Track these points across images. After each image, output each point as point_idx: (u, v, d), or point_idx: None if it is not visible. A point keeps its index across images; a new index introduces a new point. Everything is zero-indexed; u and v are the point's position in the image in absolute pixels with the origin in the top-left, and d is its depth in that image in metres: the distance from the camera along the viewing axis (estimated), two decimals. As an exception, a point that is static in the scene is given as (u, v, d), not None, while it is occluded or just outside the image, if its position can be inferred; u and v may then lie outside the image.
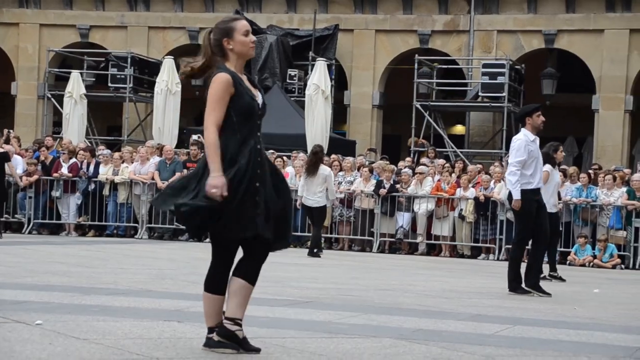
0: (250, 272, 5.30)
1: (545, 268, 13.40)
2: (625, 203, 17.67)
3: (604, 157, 24.64)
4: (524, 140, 10.50)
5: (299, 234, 19.40)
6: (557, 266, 14.27)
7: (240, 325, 5.30)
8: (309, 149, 20.91)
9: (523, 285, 10.43)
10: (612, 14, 25.26)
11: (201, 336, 5.54)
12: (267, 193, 5.23)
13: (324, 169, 16.25)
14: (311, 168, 16.15)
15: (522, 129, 10.74)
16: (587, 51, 25.53)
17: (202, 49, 5.34)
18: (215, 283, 5.30)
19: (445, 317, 7.66)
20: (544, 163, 13.08)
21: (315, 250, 16.12)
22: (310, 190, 16.07)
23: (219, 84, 5.18)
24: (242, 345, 5.32)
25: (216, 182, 5.06)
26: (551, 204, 12.98)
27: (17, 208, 20.20)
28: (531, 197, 10.37)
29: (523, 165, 10.39)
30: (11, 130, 22.37)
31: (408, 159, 22.77)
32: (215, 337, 5.31)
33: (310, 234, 16.97)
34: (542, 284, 10.76)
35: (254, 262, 5.31)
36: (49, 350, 5.19)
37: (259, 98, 5.36)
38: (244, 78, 5.35)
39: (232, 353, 5.25)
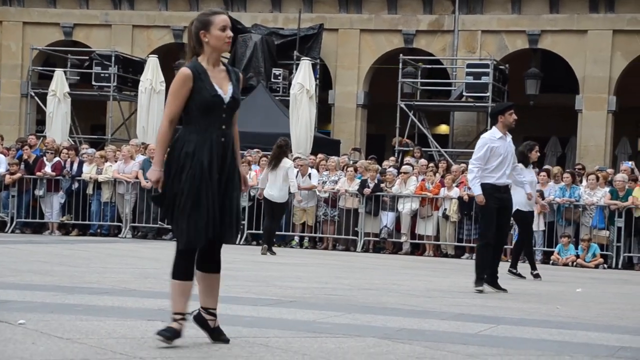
0: (209, 264, 5.50)
1: (525, 267, 13.47)
2: (608, 203, 17.75)
3: (587, 157, 24.76)
4: (488, 139, 10.67)
5: (282, 232, 19.41)
6: (540, 265, 14.33)
7: (213, 315, 5.51)
8: (293, 148, 20.93)
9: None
10: (596, 15, 25.38)
11: (185, 336, 5.53)
12: (218, 186, 5.40)
13: (285, 162, 16.23)
14: (274, 161, 16.14)
15: (493, 127, 10.82)
16: (570, 51, 25.64)
17: (188, 39, 5.53)
18: (179, 269, 5.43)
19: (428, 317, 7.67)
20: (518, 161, 13.17)
21: (269, 247, 15.95)
22: (273, 183, 16.05)
23: (176, 80, 5.38)
24: (212, 335, 5.53)
25: (153, 176, 5.36)
26: (524, 203, 13.03)
27: (0, 207, 20.11)
28: (490, 191, 10.45)
29: (485, 162, 10.50)
30: None
31: (392, 158, 22.80)
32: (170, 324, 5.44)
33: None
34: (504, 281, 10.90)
35: (210, 254, 5.49)
36: (32, 349, 5.17)
37: (228, 92, 5.44)
38: (218, 70, 5.45)
39: (164, 343, 5.35)
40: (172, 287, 5.47)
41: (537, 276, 13.17)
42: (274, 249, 16.25)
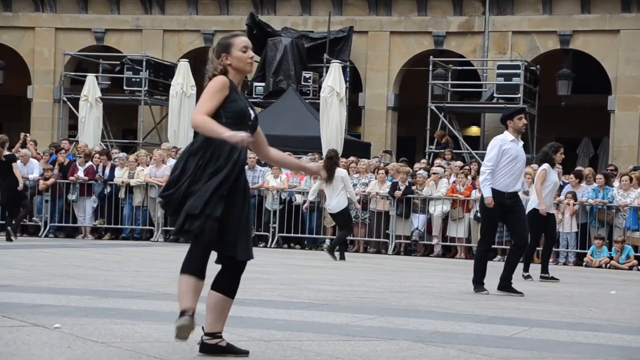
0: (228, 287, 5.30)
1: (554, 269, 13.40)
2: (642, 204, 17.59)
3: (620, 158, 24.56)
4: (499, 140, 10.62)
5: (314, 235, 19.44)
6: (572, 267, 14.26)
7: (220, 337, 5.29)
8: (324, 151, 20.92)
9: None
10: (628, 15, 25.18)
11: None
12: (235, 205, 5.21)
13: (339, 172, 16.16)
14: (328, 173, 16.01)
15: (505, 132, 10.76)
16: (602, 52, 25.45)
17: (209, 62, 5.38)
18: (190, 265, 5.20)
19: (462, 319, 7.65)
20: (543, 162, 13.09)
21: (335, 250, 16.00)
22: (331, 195, 15.96)
23: (215, 82, 5.23)
24: (230, 351, 5.30)
25: (240, 135, 5.01)
26: (549, 204, 12.96)
27: (34, 211, 20.26)
28: (496, 199, 10.36)
29: (497, 164, 10.43)
30: (28, 134, 22.47)
31: (423, 160, 22.75)
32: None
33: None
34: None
35: (231, 277, 5.30)
36: (68, 353, 5.20)
37: (252, 113, 5.38)
38: (241, 93, 5.40)
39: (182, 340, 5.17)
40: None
41: (527, 277, 12.92)
42: (336, 254, 16.05)
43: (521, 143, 10.75)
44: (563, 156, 13.44)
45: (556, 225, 13.76)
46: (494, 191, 10.42)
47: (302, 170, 6.71)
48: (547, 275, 13.11)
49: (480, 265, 10.49)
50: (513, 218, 10.53)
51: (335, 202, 15.88)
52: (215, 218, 5.10)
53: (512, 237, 11.07)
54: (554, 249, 13.80)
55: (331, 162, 15.98)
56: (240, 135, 5.01)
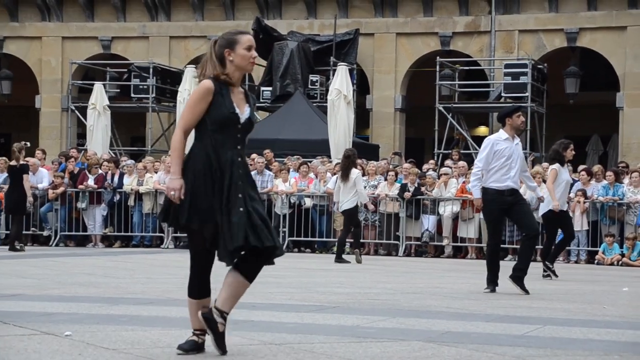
0: (249, 271, 5.38)
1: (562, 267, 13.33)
2: (653, 200, 17.53)
3: (630, 155, 24.48)
4: (492, 140, 10.56)
5: (324, 239, 19.43)
6: (584, 265, 14.20)
7: (224, 318, 5.35)
8: (332, 154, 20.92)
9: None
10: (635, 11, 25.12)
11: (229, 344, 5.53)
12: (250, 203, 5.32)
13: (352, 172, 16.11)
14: (343, 172, 16.01)
15: (500, 129, 10.71)
16: (610, 48, 25.39)
17: (204, 58, 5.44)
18: (194, 288, 5.42)
19: (473, 319, 7.62)
20: (554, 160, 13.04)
21: (341, 255, 15.99)
22: (345, 195, 15.93)
23: (195, 92, 5.34)
24: (217, 339, 5.34)
25: (174, 185, 5.26)
26: (562, 202, 12.93)
27: (42, 221, 20.24)
28: (494, 197, 10.34)
29: (488, 164, 10.39)
30: (27, 143, 22.29)
31: (432, 161, 22.71)
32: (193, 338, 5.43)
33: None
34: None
35: (256, 263, 5.39)
36: (79, 360, 5.20)
37: (245, 113, 5.40)
38: (237, 90, 5.43)
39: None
40: (189, 305, 5.47)
41: (548, 268, 12.92)
42: (344, 257, 16.07)
43: (517, 140, 10.67)
44: (573, 152, 13.40)
45: (572, 222, 13.69)
46: (493, 191, 10.37)
47: None
48: (551, 266, 12.99)
49: (490, 264, 10.47)
50: (516, 212, 10.49)
51: (347, 202, 15.84)
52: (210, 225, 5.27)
53: (521, 229, 11.03)
54: (565, 248, 13.72)
55: (348, 161, 15.97)
56: (169, 191, 5.26)
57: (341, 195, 15.95)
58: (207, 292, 5.42)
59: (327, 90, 23.48)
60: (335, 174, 18.02)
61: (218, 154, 5.29)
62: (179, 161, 5.28)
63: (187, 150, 5.38)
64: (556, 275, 12.90)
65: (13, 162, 17.36)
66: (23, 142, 18.14)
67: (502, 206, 10.38)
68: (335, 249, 16.95)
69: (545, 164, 17.94)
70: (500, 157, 10.41)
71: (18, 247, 17.03)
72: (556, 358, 5.71)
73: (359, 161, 20.37)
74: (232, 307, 5.42)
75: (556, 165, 12.92)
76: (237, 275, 5.34)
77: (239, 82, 5.44)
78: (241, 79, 5.46)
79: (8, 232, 20.06)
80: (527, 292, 10.21)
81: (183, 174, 5.29)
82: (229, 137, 5.33)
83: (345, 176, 15.84)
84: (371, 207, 17.71)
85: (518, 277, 10.37)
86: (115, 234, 20.15)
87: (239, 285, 5.36)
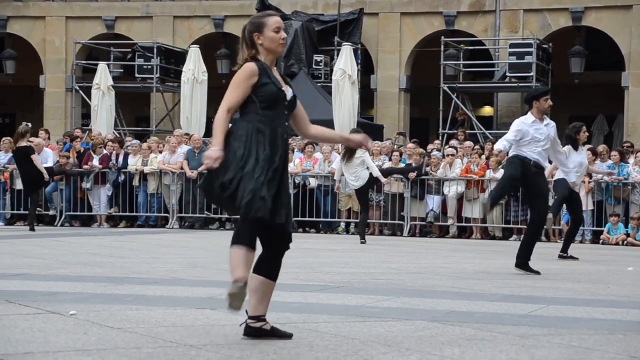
0: (270, 269, 5.35)
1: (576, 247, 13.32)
2: (658, 180, 17.49)
3: (635, 135, 24.41)
4: (520, 122, 10.60)
5: (329, 219, 19.44)
6: (589, 245, 14.17)
7: (264, 320, 5.33)
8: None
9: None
10: (640, -10, 24.97)
11: (234, 323, 5.55)
12: (285, 181, 5.38)
13: (359, 151, 16.02)
14: (348, 153, 15.86)
15: (528, 112, 10.71)
16: (615, 27, 25.26)
17: (240, 43, 5.45)
18: (241, 236, 5.22)
19: (478, 299, 7.63)
20: (567, 144, 12.99)
21: (363, 234, 16.01)
22: (353, 174, 15.84)
23: (240, 72, 5.33)
24: (274, 334, 5.35)
25: (214, 154, 5.16)
26: (576, 184, 12.92)
27: (47, 201, 20.28)
28: (517, 160, 10.40)
29: (516, 144, 10.44)
30: (28, 124, 22.30)
31: (437, 141, 22.68)
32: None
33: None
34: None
35: (273, 259, 5.36)
36: (84, 339, 5.22)
37: (289, 92, 5.44)
38: (276, 73, 5.45)
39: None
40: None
41: (565, 257, 12.93)
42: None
43: (546, 121, 10.61)
44: (587, 134, 13.36)
45: (582, 206, 13.64)
46: (520, 158, 10.39)
47: (347, 143, 6.85)
48: (565, 254, 13.00)
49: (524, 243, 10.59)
50: (533, 190, 10.48)
51: (359, 179, 15.79)
52: (269, 201, 5.16)
53: (530, 210, 11.02)
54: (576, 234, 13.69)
55: None
56: (206, 158, 5.16)
57: (346, 174, 15.90)
58: (255, 244, 5.23)
59: (332, 70, 23.43)
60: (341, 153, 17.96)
61: (272, 129, 5.30)
62: (221, 135, 5.23)
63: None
64: (576, 258, 12.90)
65: (23, 143, 17.42)
66: (25, 123, 18.18)
67: (525, 174, 10.39)
68: (356, 229, 16.86)
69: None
70: (527, 139, 10.40)
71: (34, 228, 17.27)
72: (560, 337, 5.71)
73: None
74: (267, 308, 5.36)
75: (567, 148, 12.81)
76: (258, 277, 5.30)
77: (274, 63, 5.46)
78: (274, 60, 5.46)
79: (14, 212, 20.16)
80: (537, 272, 10.22)
81: (226, 145, 5.23)
82: (279, 114, 5.37)
83: (350, 157, 15.77)
84: (384, 179, 17.49)
85: (522, 263, 10.38)
86: (120, 214, 20.18)
87: (262, 286, 5.31)
